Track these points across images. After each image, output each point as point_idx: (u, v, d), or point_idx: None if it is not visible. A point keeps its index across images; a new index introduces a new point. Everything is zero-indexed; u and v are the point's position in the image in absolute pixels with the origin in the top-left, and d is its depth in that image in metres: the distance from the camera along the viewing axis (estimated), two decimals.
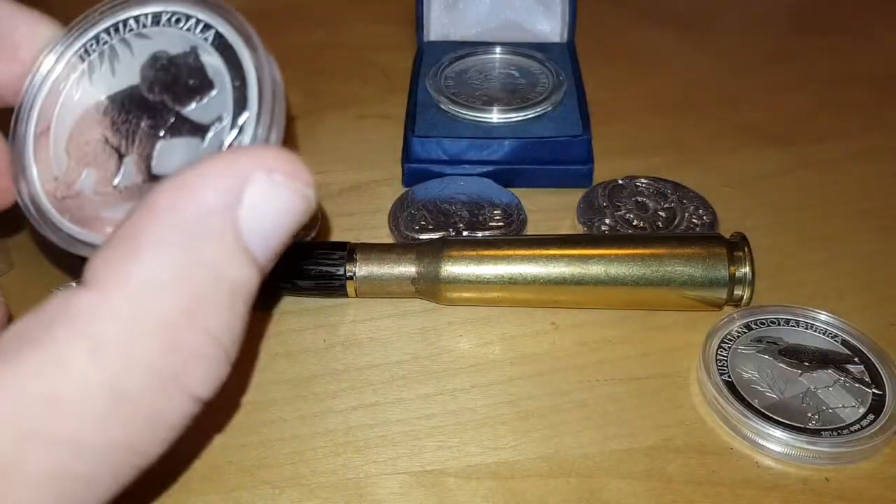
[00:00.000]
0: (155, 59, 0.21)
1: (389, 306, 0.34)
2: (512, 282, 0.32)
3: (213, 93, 0.21)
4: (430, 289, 0.33)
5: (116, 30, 0.22)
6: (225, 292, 0.19)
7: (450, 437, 0.29)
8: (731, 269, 0.32)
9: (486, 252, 0.32)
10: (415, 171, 0.41)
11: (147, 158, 0.21)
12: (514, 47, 0.47)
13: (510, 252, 0.32)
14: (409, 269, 0.33)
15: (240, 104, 0.20)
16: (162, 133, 0.21)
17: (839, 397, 0.29)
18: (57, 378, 0.18)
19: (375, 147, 0.45)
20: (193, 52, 0.21)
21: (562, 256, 0.32)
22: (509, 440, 0.29)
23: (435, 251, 0.33)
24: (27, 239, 0.37)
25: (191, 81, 0.21)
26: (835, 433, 0.28)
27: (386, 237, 0.38)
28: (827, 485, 0.27)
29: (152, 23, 0.21)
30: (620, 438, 0.29)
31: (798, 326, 0.32)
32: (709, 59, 0.54)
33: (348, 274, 0.33)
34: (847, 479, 0.27)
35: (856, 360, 0.31)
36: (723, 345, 0.31)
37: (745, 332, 0.32)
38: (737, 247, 0.32)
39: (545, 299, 0.33)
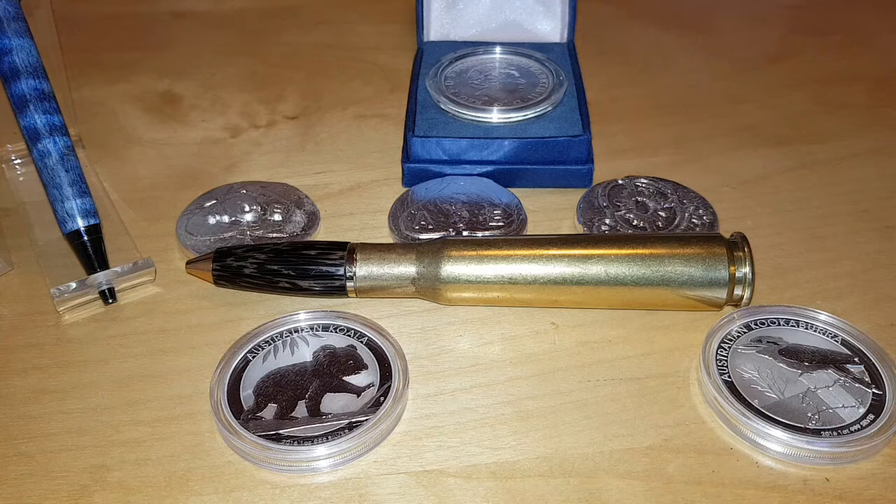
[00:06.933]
0: (324, 348, 0.31)
1: (389, 306, 0.34)
2: (512, 282, 0.32)
3: (366, 370, 0.30)
4: (430, 289, 0.33)
5: (295, 331, 0.32)
6: None
7: (450, 437, 0.29)
8: (731, 269, 0.32)
9: (486, 252, 0.32)
10: (415, 171, 0.41)
11: (316, 403, 0.29)
12: (514, 47, 0.47)
13: (510, 252, 0.32)
14: (409, 269, 0.33)
15: (386, 377, 0.30)
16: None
17: (839, 397, 0.29)
18: None
19: (375, 147, 0.45)
20: (351, 346, 0.31)
21: (562, 256, 0.32)
22: (509, 440, 0.29)
23: (435, 251, 0.33)
24: (27, 239, 0.37)
25: (350, 362, 0.31)
26: (835, 433, 0.28)
27: (386, 237, 0.38)
28: (827, 485, 0.27)
29: (322, 329, 0.32)
30: (620, 438, 0.29)
31: (798, 326, 0.32)
32: (709, 59, 0.54)
33: (348, 274, 0.33)
34: (847, 479, 0.27)
35: (856, 360, 0.31)
36: (723, 345, 0.31)
37: (745, 332, 0.32)
38: (737, 247, 0.32)
39: (545, 299, 0.33)
